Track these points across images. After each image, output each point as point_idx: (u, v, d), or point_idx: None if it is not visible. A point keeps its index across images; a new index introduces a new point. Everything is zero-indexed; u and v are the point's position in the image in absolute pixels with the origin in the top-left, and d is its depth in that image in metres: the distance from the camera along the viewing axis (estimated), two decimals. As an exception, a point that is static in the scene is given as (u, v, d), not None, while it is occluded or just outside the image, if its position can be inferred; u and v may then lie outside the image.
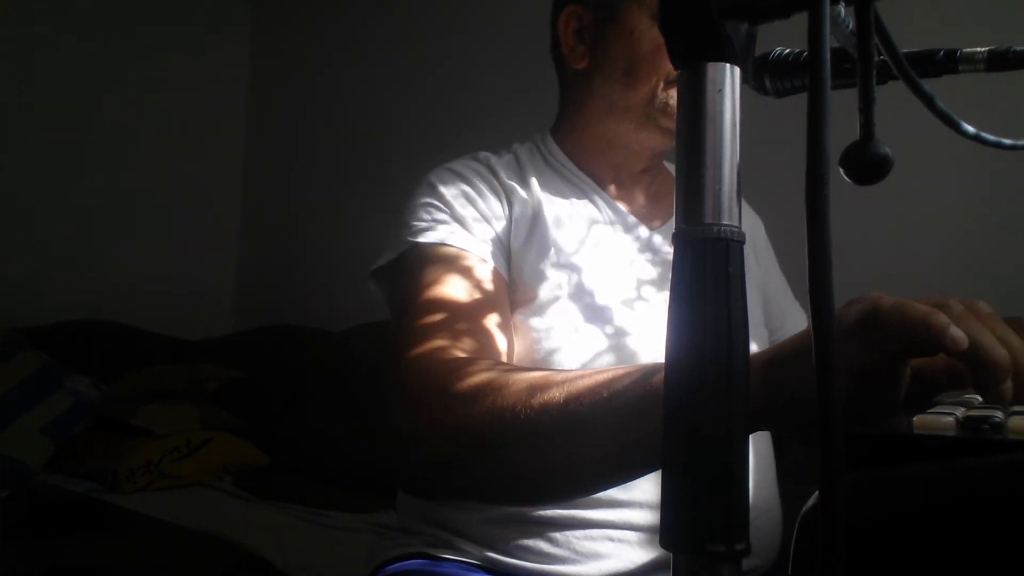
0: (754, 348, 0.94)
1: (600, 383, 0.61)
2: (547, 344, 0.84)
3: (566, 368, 0.83)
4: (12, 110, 2.68)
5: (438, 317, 0.79)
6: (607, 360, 0.84)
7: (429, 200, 0.89)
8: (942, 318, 0.44)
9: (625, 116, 0.94)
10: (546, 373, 0.67)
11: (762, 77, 0.57)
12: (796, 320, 1.10)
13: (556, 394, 0.63)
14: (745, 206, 1.12)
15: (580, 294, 0.87)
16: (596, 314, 0.86)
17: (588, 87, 0.96)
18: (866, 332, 0.47)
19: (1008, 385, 0.44)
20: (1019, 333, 0.47)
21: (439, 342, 0.76)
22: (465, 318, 0.79)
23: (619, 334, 0.86)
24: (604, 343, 0.85)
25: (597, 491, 0.75)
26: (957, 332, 0.43)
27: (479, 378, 0.69)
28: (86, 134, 2.86)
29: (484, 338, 0.79)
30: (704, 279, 0.38)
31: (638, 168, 0.99)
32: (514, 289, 0.88)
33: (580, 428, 0.61)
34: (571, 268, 0.88)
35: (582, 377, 0.63)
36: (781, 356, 0.53)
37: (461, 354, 0.75)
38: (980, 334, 0.45)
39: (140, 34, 2.98)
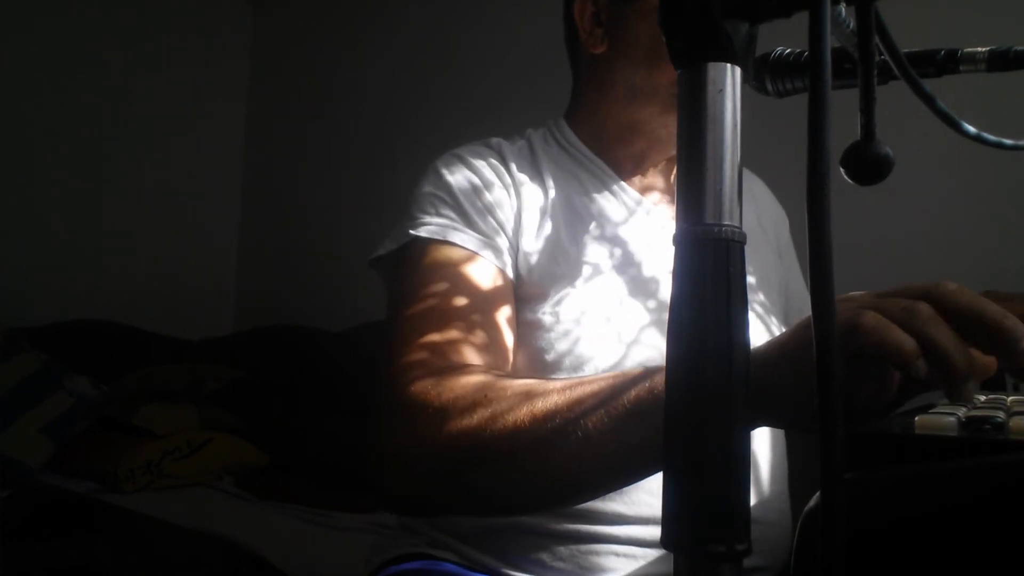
0: None
1: (601, 388, 0.61)
2: (555, 338, 0.82)
3: (577, 362, 0.81)
4: (11, 110, 2.67)
5: (434, 320, 0.77)
6: (625, 356, 0.82)
7: (434, 191, 0.86)
8: (911, 348, 0.45)
9: (649, 100, 0.89)
10: (543, 380, 0.66)
11: (763, 77, 0.57)
12: None
13: (557, 402, 0.62)
14: (773, 200, 1.10)
15: (596, 286, 0.84)
16: (611, 306, 0.84)
17: (608, 72, 0.92)
18: (842, 340, 0.47)
19: (969, 387, 0.46)
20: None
21: (434, 348, 0.74)
22: (463, 321, 0.77)
23: (639, 325, 0.84)
24: (615, 339, 0.83)
25: (598, 496, 0.74)
26: (920, 364, 0.45)
27: (475, 389, 0.67)
28: (85, 134, 2.86)
29: (482, 341, 0.77)
30: (705, 279, 0.38)
31: (663, 157, 0.94)
32: (521, 284, 0.85)
33: (583, 435, 0.60)
34: (586, 259, 0.85)
35: (581, 383, 0.63)
36: (772, 348, 0.53)
37: (457, 360, 0.74)
38: (943, 341, 0.46)
39: (140, 33, 2.98)
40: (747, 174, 1.07)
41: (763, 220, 1.05)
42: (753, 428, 0.56)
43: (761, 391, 0.51)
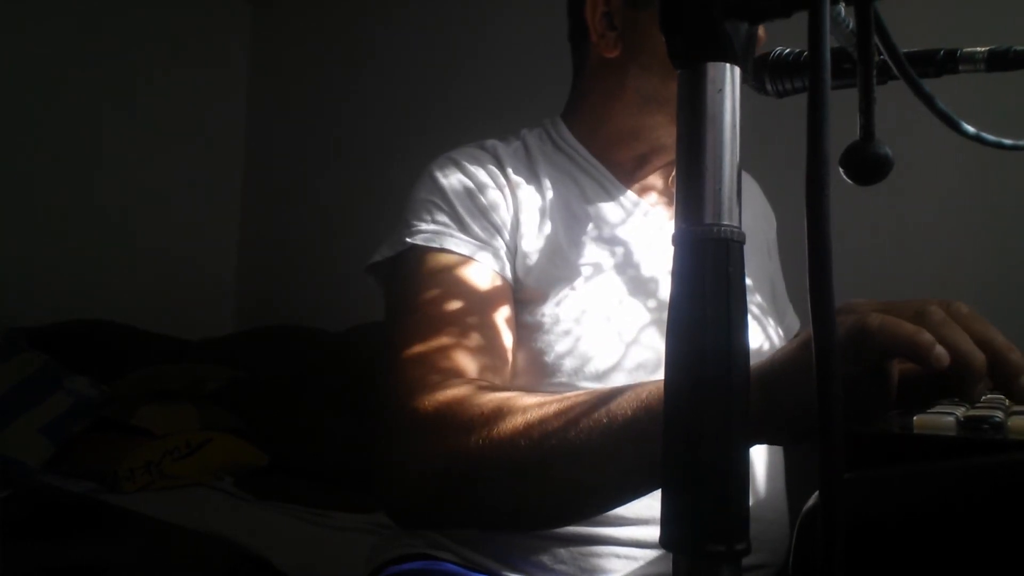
0: (766, 346, 0.93)
1: (598, 406, 0.60)
2: (554, 339, 0.82)
3: (577, 362, 0.81)
4: (11, 110, 2.67)
5: (432, 330, 0.76)
6: (624, 356, 0.82)
7: (429, 196, 0.86)
8: (927, 337, 0.45)
9: (660, 108, 0.88)
10: (541, 397, 0.65)
11: (762, 77, 0.58)
12: (793, 316, 1.11)
13: (555, 421, 0.62)
14: (764, 200, 1.09)
15: (595, 286, 0.84)
16: (610, 306, 0.84)
17: (620, 77, 0.89)
18: (854, 346, 0.47)
19: (981, 387, 0.47)
20: None
21: (432, 359, 0.74)
22: (460, 329, 0.77)
23: (638, 325, 0.84)
24: (615, 339, 0.83)
25: (597, 515, 0.74)
26: (940, 351, 0.45)
27: (475, 405, 0.67)
28: (85, 134, 2.86)
29: (481, 351, 0.77)
30: (704, 279, 0.38)
31: (664, 162, 0.93)
32: (519, 286, 0.85)
33: (581, 455, 0.60)
34: (585, 260, 0.85)
35: (578, 400, 0.62)
36: (775, 371, 0.52)
37: (455, 370, 0.74)
38: (958, 341, 0.46)
39: (140, 33, 2.98)
40: (746, 175, 1.07)
41: (757, 220, 1.05)
42: (759, 444, 0.56)
43: (772, 410, 0.51)
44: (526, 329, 0.84)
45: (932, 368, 0.45)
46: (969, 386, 0.46)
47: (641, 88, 0.88)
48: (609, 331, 0.83)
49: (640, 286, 0.86)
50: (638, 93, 0.89)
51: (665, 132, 0.90)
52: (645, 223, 0.91)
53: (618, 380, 0.80)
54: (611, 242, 0.88)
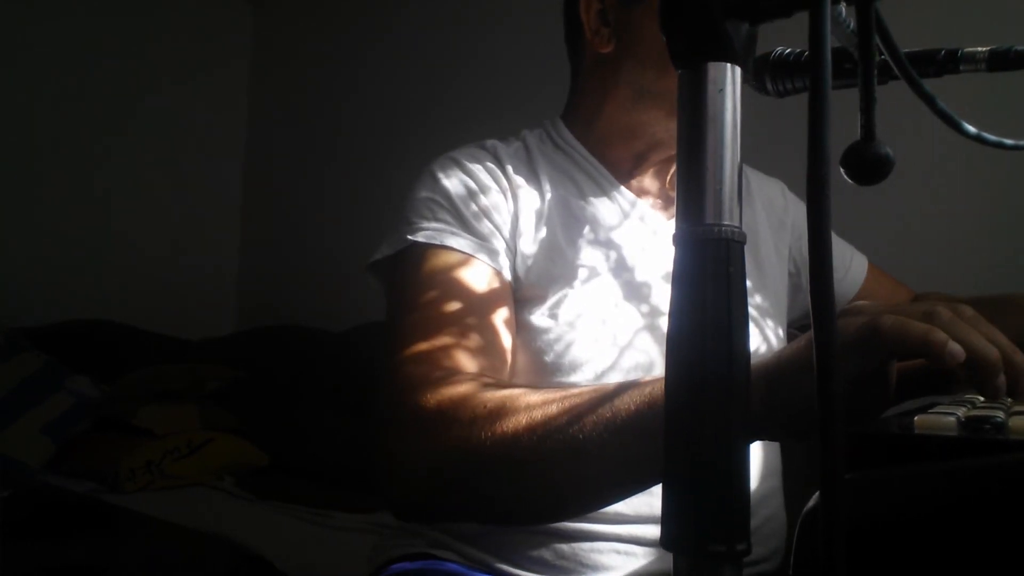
0: (763, 348, 0.92)
1: (601, 402, 0.61)
2: (553, 339, 0.82)
3: (574, 364, 0.82)
4: (12, 111, 2.67)
5: (432, 327, 0.76)
6: (618, 360, 0.83)
7: (430, 195, 0.86)
8: (940, 335, 0.45)
9: (656, 102, 0.89)
10: (544, 393, 0.66)
11: (763, 77, 0.58)
12: (858, 262, 1.09)
13: (558, 416, 0.62)
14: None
15: (592, 288, 0.85)
16: (606, 308, 0.84)
17: (615, 73, 0.90)
18: (865, 346, 0.47)
19: (1002, 379, 0.46)
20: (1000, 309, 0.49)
21: (432, 356, 0.74)
22: (460, 327, 0.77)
23: (632, 329, 0.84)
24: (610, 342, 0.83)
25: (598, 509, 0.74)
26: (954, 347, 0.45)
27: (479, 401, 0.67)
28: (86, 134, 2.86)
29: (482, 349, 0.77)
30: (704, 279, 0.38)
31: (661, 158, 0.94)
32: (519, 286, 0.85)
33: (584, 450, 0.60)
34: (582, 262, 0.86)
35: (582, 395, 0.62)
36: (779, 368, 0.52)
37: (454, 367, 0.74)
38: (969, 336, 0.46)
39: (140, 33, 2.98)
40: (764, 177, 1.07)
41: (783, 219, 1.02)
42: (760, 440, 0.56)
43: (775, 406, 0.51)
44: (525, 328, 0.84)
45: (945, 365, 0.45)
46: (989, 378, 0.46)
47: (635, 82, 0.89)
48: (605, 334, 0.83)
49: (635, 290, 0.87)
50: (633, 87, 0.89)
51: (661, 128, 0.90)
52: (641, 226, 0.92)
53: (615, 381, 0.80)
54: (608, 245, 0.88)
